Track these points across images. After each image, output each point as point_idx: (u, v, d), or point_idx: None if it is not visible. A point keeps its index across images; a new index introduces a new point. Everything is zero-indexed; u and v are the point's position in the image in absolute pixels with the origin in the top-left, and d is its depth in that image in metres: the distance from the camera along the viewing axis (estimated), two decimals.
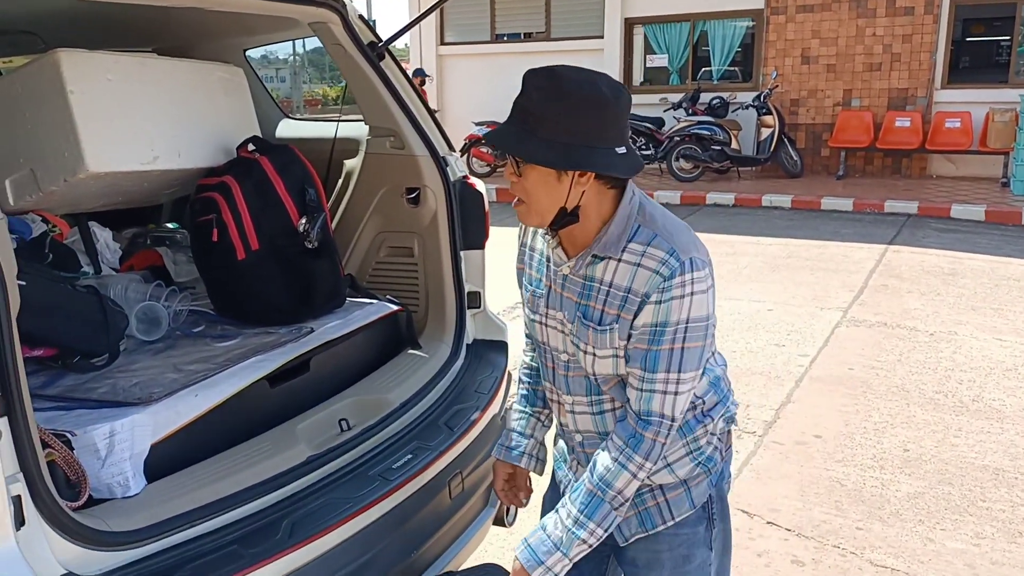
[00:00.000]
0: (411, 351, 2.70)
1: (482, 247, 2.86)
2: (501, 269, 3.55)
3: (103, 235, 2.90)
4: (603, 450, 1.66)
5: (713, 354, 1.78)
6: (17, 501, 1.43)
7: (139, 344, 2.42)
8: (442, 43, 15.37)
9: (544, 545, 1.66)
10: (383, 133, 2.87)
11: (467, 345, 2.78)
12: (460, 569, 1.85)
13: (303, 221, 2.57)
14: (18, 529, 1.43)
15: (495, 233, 2.95)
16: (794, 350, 5.42)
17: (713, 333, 1.72)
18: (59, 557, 1.51)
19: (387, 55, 2.78)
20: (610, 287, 1.61)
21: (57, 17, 2.99)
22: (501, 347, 2.84)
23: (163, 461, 1.91)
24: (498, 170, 12.79)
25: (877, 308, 6.26)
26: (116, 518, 1.70)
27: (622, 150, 1.56)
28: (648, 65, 14.04)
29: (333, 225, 2.91)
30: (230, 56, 3.25)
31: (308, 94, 32.79)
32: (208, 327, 2.58)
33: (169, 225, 3.35)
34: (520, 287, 1.85)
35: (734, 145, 11.84)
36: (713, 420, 1.76)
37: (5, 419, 1.41)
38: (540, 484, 2.03)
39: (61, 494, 1.57)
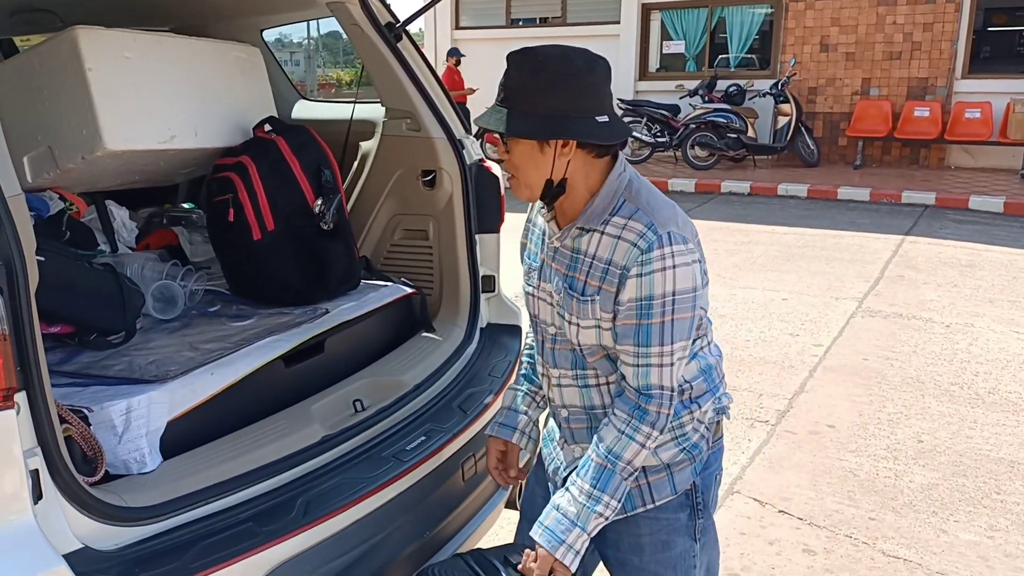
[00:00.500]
0: (425, 334, 2.70)
1: (497, 231, 2.86)
2: (516, 253, 3.55)
3: (120, 214, 2.91)
4: (607, 424, 1.68)
5: (708, 344, 1.79)
6: (35, 475, 1.44)
7: (155, 323, 2.43)
8: (457, 27, 15.32)
9: (562, 524, 1.67)
10: (399, 115, 2.87)
11: (481, 329, 2.78)
12: (488, 548, 1.85)
13: (319, 202, 2.57)
14: (36, 503, 1.44)
15: (510, 218, 2.94)
16: (808, 340, 5.39)
17: (707, 317, 1.74)
18: (76, 531, 1.52)
19: (404, 36, 2.77)
20: (593, 259, 1.65)
21: None
22: (515, 331, 2.83)
23: (179, 438, 1.92)
24: None
25: (893, 299, 6.22)
26: (132, 494, 1.71)
27: (603, 119, 1.60)
28: (665, 51, 13.95)
29: (348, 207, 2.90)
30: (247, 36, 3.24)
31: (322, 78, 32.79)
32: (224, 307, 2.59)
33: (185, 205, 3.36)
34: (522, 262, 1.90)
35: (750, 133, 11.77)
36: (700, 407, 1.76)
37: (24, 393, 1.42)
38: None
39: (78, 469, 1.58)
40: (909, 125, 11.55)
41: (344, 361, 2.42)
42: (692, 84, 12.59)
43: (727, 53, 13.45)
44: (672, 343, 1.60)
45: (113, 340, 2.21)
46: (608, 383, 1.75)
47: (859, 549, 3.13)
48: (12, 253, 1.42)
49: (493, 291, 2.85)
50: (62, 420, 1.65)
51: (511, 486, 2.48)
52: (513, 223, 3.14)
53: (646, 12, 13.72)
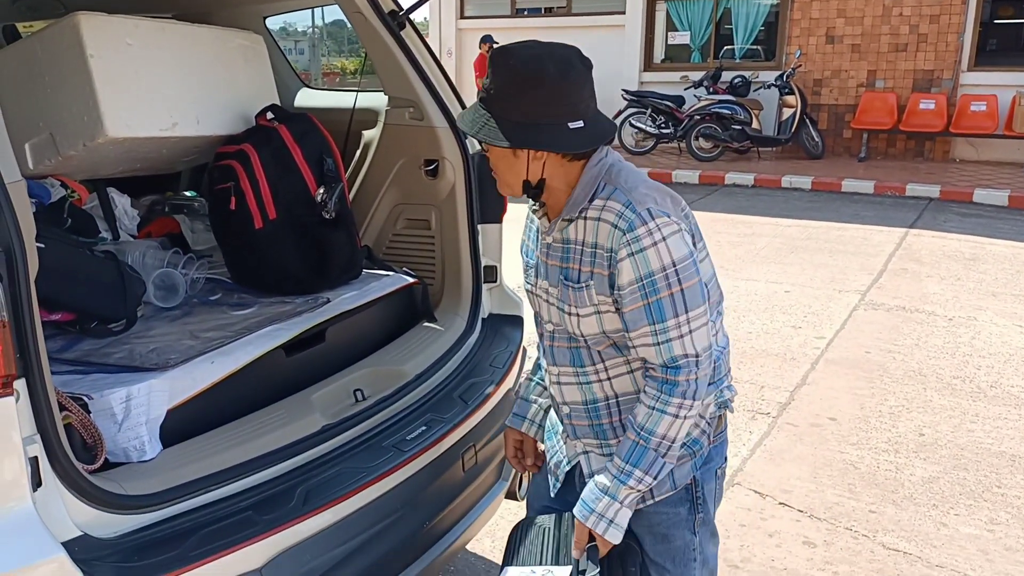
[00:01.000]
0: (427, 324, 2.70)
1: (499, 221, 2.85)
2: (517, 244, 3.54)
3: (121, 201, 2.91)
4: (639, 403, 1.68)
5: (716, 333, 1.77)
6: (34, 462, 1.44)
7: (156, 311, 2.43)
8: (462, 17, 15.26)
9: (593, 494, 1.70)
10: (402, 104, 2.85)
11: (483, 319, 2.78)
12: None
13: (321, 191, 2.57)
14: (35, 490, 1.44)
15: (513, 208, 2.93)
16: (811, 332, 5.38)
17: (719, 307, 1.75)
18: (75, 519, 1.52)
19: (407, 24, 2.76)
20: (582, 245, 1.65)
21: None
22: (517, 322, 2.83)
23: (179, 427, 1.93)
24: None
25: (896, 292, 6.21)
26: (132, 482, 1.71)
27: (576, 124, 1.58)
28: (670, 42, 13.88)
29: (350, 196, 2.90)
30: (250, 23, 3.23)
31: (326, 66, 32.70)
32: (225, 295, 2.59)
33: (187, 193, 3.35)
34: (522, 259, 1.91)
35: (755, 125, 11.71)
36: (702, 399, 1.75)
37: (23, 380, 1.42)
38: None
39: (78, 457, 1.58)
40: (914, 118, 11.50)
41: (345, 350, 2.42)
42: (697, 75, 12.53)
43: (732, 44, 13.39)
44: (687, 311, 1.60)
45: (114, 328, 2.21)
46: (610, 378, 1.74)
47: (859, 542, 3.13)
48: (12, 240, 1.41)
49: (495, 281, 2.85)
50: (62, 408, 1.65)
51: (510, 477, 2.49)
52: (515, 213, 3.12)
53: (651, 2, 13.65)
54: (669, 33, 13.81)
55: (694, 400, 1.63)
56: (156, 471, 1.78)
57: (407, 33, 2.74)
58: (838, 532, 3.20)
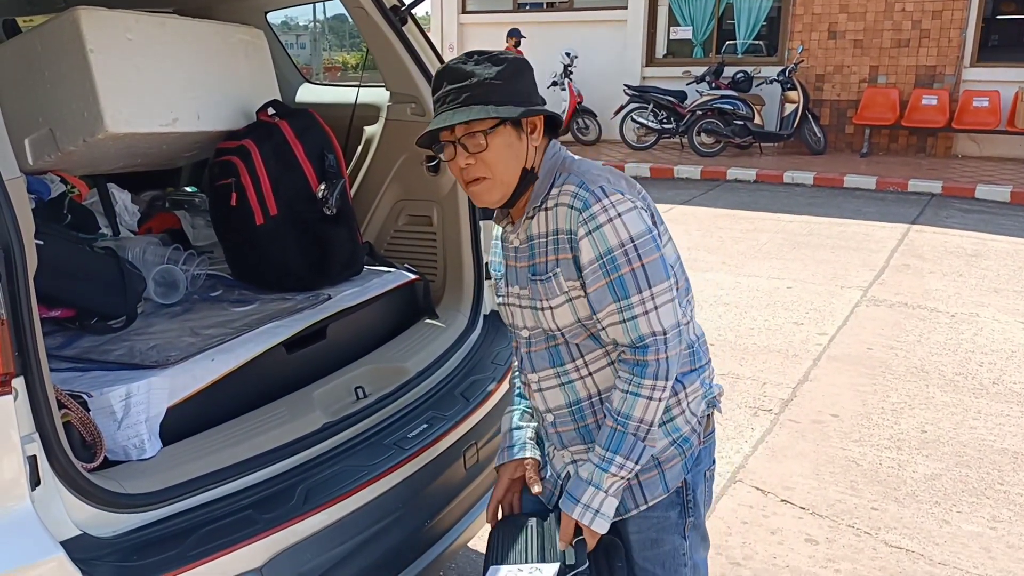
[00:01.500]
0: (428, 321, 2.69)
1: None
2: None
3: (122, 197, 2.89)
4: (614, 389, 1.67)
5: (689, 322, 1.77)
6: (33, 461, 1.43)
7: (156, 307, 2.42)
8: (464, 11, 15.22)
9: (577, 486, 1.69)
10: (404, 99, 2.84)
11: (484, 316, 2.76)
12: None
13: (322, 187, 2.56)
14: (33, 489, 1.43)
15: None
16: (813, 328, 5.37)
17: (689, 297, 1.75)
18: (74, 518, 1.51)
19: (409, 19, 2.74)
20: (545, 236, 1.68)
21: None
22: None
23: (179, 425, 1.92)
24: None
25: (898, 288, 6.20)
26: (131, 480, 1.70)
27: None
28: (672, 37, 13.83)
29: (352, 192, 2.88)
30: (251, 18, 3.21)
31: (328, 61, 32.65)
32: (225, 292, 2.58)
33: (188, 189, 3.34)
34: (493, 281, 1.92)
35: (757, 120, 11.69)
36: (684, 388, 1.75)
37: (21, 379, 1.41)
38: None
39: (77, 455, 1.57)
40: (916, 113, 11.46)
41: (346, 347, 2.41)
42: (699, 70, 12.50)
43: (734, 39, 13.35)
44: (650, 287, 1.61)
45: (114, 325, 2.20)
46: (591, 373, 1.73)
47: (861, 539, 3.13)
48: (10, 237, 1.40)
49: None
50: (61, 405, 1.65)
51: None
52: None
53: None
54: (671, 28, 13.76)
55: (667, 380, 1.63)
56: (156, 469, 1.77)
57: (409, 28, 2.73)
58: (840, 529, 3.19)
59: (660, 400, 1.64)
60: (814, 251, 7.26)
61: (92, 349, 2.07)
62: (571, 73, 12.79)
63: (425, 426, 2.15)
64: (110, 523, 1.58)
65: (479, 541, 3.07)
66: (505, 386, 2.48)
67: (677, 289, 1.68)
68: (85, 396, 1.79)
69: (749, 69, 12.18)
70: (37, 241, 1.53)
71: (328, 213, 2.56)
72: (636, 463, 1.66)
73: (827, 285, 6.28)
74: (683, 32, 13.60)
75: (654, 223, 1.68)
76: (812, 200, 9.51)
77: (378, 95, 3.08)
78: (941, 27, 11.54)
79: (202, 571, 1.58)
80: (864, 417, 4.11)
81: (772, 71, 11.97)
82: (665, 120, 12.16)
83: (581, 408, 1.76)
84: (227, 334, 2.15)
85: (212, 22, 2.81)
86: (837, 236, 7.80)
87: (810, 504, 3.36)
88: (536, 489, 1.85)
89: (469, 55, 1.65)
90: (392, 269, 2.77)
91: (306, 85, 3.67)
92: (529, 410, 1.95)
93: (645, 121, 12.24)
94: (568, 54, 12.76)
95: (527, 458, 1.88)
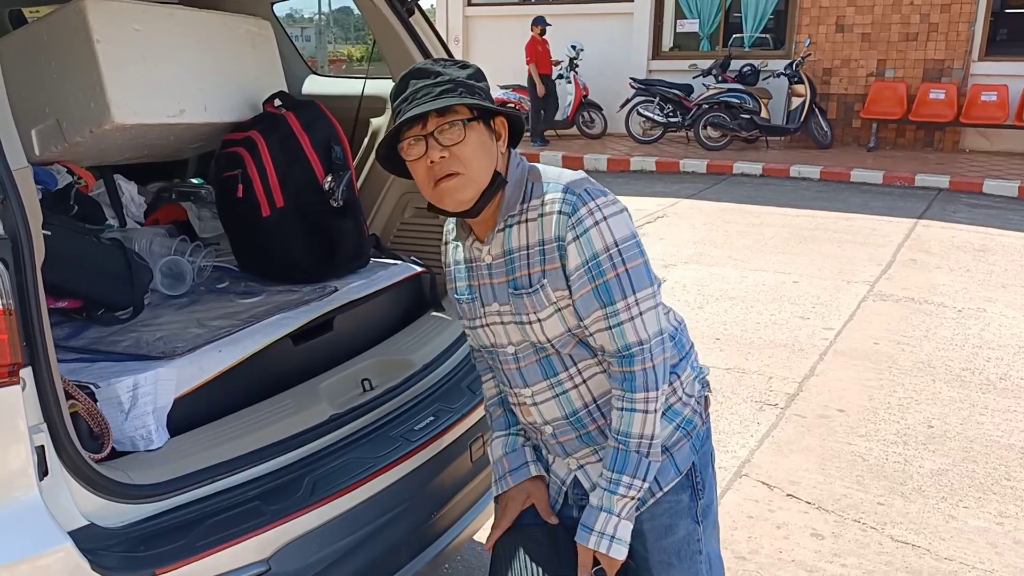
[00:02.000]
0: (434, 313, 2.68)
1: None
2: None
3: (128, 188, 2.89)
4: (612, 408, 1.65)
5: (667, 312, 1.76)
6: (40, 451, 1.43)
7: (163, 298, 2.41)
8: (469, 4, 15.18)
9: (590, 514, 1.67)
10: None
11: None
12: None
13: (328, 179, 2.55)
14: (41, 479, 1.43)
15: None
16: (819, 323, 5.36)
17: (658, 283, 1.71)
18: (81, 508, 1.51)
19: (416, 10, 2.73)
20: (528, 248, 1.64)
21: None
22: None
23: (186, 416, 1.91)
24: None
25: (905, 283, 6.18)
26: (138, 471, 1.70)
27: None
28: (678, 30, 13.80)
29: (358, 184, 2.88)
30: (257, 9, 3.20)
31: (333, 54, 32.65)
32: (232, 283, 2.58)
33: (194, 180, 3.34)
34: (456, 308, 1.86)
35: (763, 114, 11.65)
36: (679, 377, 1.74)
37: (29, 369, 1.41)
38: None
39: (84, 446, 1.57)
40: (924, 107, 11.42)
41: (352, 340, 2.40)
42: (706, 64, 12.46)
43: (741, 33, 13.31)
44: (635, 292, 1.59)
45: (121, 316, 2.20)
46: (585, 381, 1.71)
47: (867, 534, 3.12)
48: (18, 227, 1.40)
49: None
50: (68, 396, 1.64)
51: None
52: None
53: None
54: (678, 21, 13.72)
55: (657, 391, 1.61)
56: (163, 460, 1.77)
57: (416, 19, 2.72)
58: (846, 524, 3.18)
59: (655, 412, 1.62)
60: (820, 245, 7.24)
61: (99, 340, 2.07)
62: (577, 66, 12.76)
63: (432, 418, 2.14)
64: (118, 513, 1.58)
65: (485, 533, 3.07)
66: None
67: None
68: (92, 387, 1.79)
69: (756, 63, 12.15)
70: (44, 232, 1.53)
71: (335, 205, 2.55)
72: (643, 480, 1.64)
73: (833, 280, 6.26)
74: (690, 25, 13.56)
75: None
76: (818, 194, 9.49)
77: (384, 87, 3.07)
78: (949, 21, 11.49)
79: (209, 562, 1.58)
80: (870, 412, 4.10)
81: (779, 65, 11.94)
82: (671, 113, 12.13)
83: (579, 418, 1.73)
84: (234, 326, 2.15)
85: (219, 13, 2.80)
86: (843, 230, 7.78)
87: (816, 499, 3.35)
88: (553, 521, 1.81)
89: (435, 61, 1.67)
90: (399, 261, 2.77)
91: (312, 77, 3.66)
92: (520, 434, 1.88)
93: (651, 115, 12.21)
94: (574, 47, 12.72)
95: (534, 480, 1.84)
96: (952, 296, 5.86)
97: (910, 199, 9.16)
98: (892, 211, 8.56)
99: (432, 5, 16.09)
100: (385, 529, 1.90)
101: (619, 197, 1.66)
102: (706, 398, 1.82)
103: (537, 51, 12.09)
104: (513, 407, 1.85)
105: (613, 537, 1.64)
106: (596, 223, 1.57)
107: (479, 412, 2.27)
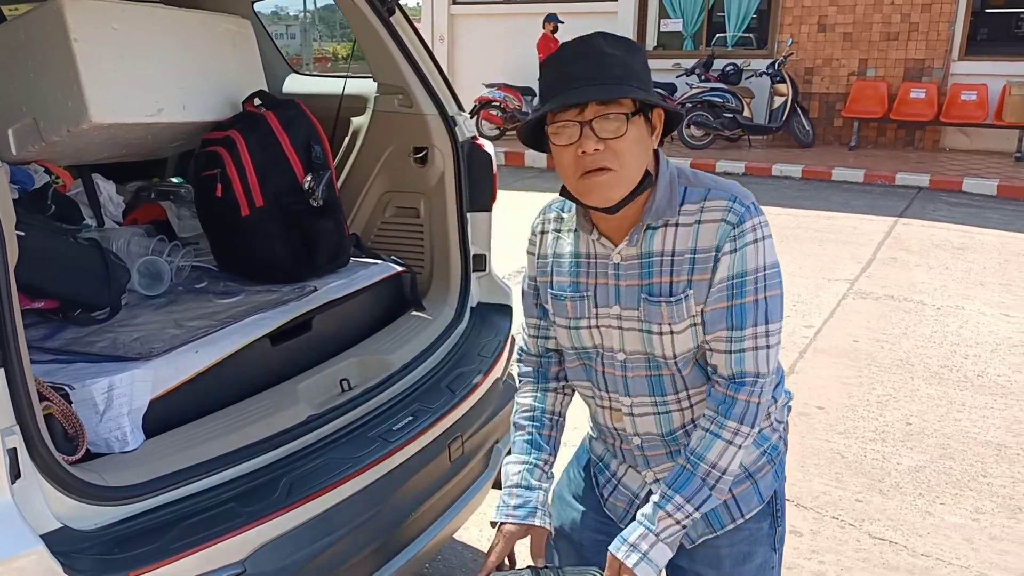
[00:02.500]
0: (415, 313, 2.68)
1: (489, 209, 2.83)
2: (507, 232, 3.52)
3: (107, 188, 2.88)
4: (696, 427, 1.55)
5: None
6: (13, 454, 1.42)
7: (141, 299, 2.40)
8: (454, 2, 15.15)
9: (633, 526, 1.55)
10: (392, 91, 2.83)
11: (471, 308, 2.76)
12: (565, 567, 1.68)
13: (308, 178, 2.54)
14: (13, 482, 1.42)
15: (502, 196, 2.91)
16: (799, 321, 5.39)
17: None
18: (55, 511, 1.50)
19: (397, 10, 2.73)
20: (673, 255, 1.50)
21: None
22: (506, 311, 2.82)
23: (162, 417, 1.91)
24: (507, 133, 12.67)
25: (885, 281, 6.22)
26: (113, 473, 1.69)
27: None
28: (662, 29, 13.83)
29: (339, 183, 2.87)
30: (238, 8, 3.19)
31: (318, 51, 32.51)
32: (211, 283, 2.57)
33: (173, 179, 3.32)
34: (531, 309, 1.72)
35: (746, 113, 11.69)
36: (775, 402, 1.66)
37: (1, 371, 1.40)
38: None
39: (58, 447, 1.56)
40: (905, 107, 11.50)
41: (331, 340, 2.40)
42: (689, 63, 12.49)
43: (724, 32, 13.36)
44: (767, 323, 1.49)
45: (98, 316, 2.19)
46: (692, 405, 1.59)
47: (846, 531, 3.15)
48: None
49: (484, 270, 2.83)
50: (43, 398, 1.64)
51: (497, 467, 2.46)
52: (504, 201, 3.12)
53: None
54: (661, 20, 13.75)
55: (752, 427, 1.51)
56: (138, 462, 1.76)
57: (396, 19, 2.72)
58: (824, 521, 3.21)
59: (740, 447, 1.51)
60: (801, 244, 7.28)
61: (75, 341, 2.06)
62: None
63: (410, 419, 2.14)
64: (92, 516, 1.57)
65: (465, 532, 3.08)
66: (491, 379, 2.48)
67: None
68: (67, 388, 1.78)
69: (739, 62, 12.19)
70: (18, 232, 1.52)
71: (314, 205, 2.55)
72: (696, 509, 1.51)
73: (814, 278, 6.30)
74: (673, 24, 13.59)
75: None
76: (800, 193, 9.54)
77: (365, 86, 3.07)
78: (930, 20, 11.57)
79: (184, 564, 1.57)
80: (849, 409, 4.13)
81: (762, 64, 11.98)
82: None
83: (676, 437, 1.62)
84: (212, 326, 2.14)
85: (198, 11, 2.79)
86: (825, 229, 7.83)
87: (795, 496, 3.37)
88: (540, 563, 1.64)
89: (602, 35, 1.44)
90: (379, 261, 2.77)
91: (293, 75, 3.65)
92: (541, 465, 1.70)
93: None
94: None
95: (537, 526, 1.66)
96: (931, 294, 5.91)
97: (891, 197, 9.22)
98: (873, 209, 8.62)
99: (418, 3, 16.07)
100: (363, 529, 1.90)
101: None
102: (786, 423, 1.74)
103: (549, 48, 12.08)
104: (599, 409, 1.69)
105: (645, 555, 1.50)
106: (755, 240, 1.46)
107: (458, 412, 2.28)
